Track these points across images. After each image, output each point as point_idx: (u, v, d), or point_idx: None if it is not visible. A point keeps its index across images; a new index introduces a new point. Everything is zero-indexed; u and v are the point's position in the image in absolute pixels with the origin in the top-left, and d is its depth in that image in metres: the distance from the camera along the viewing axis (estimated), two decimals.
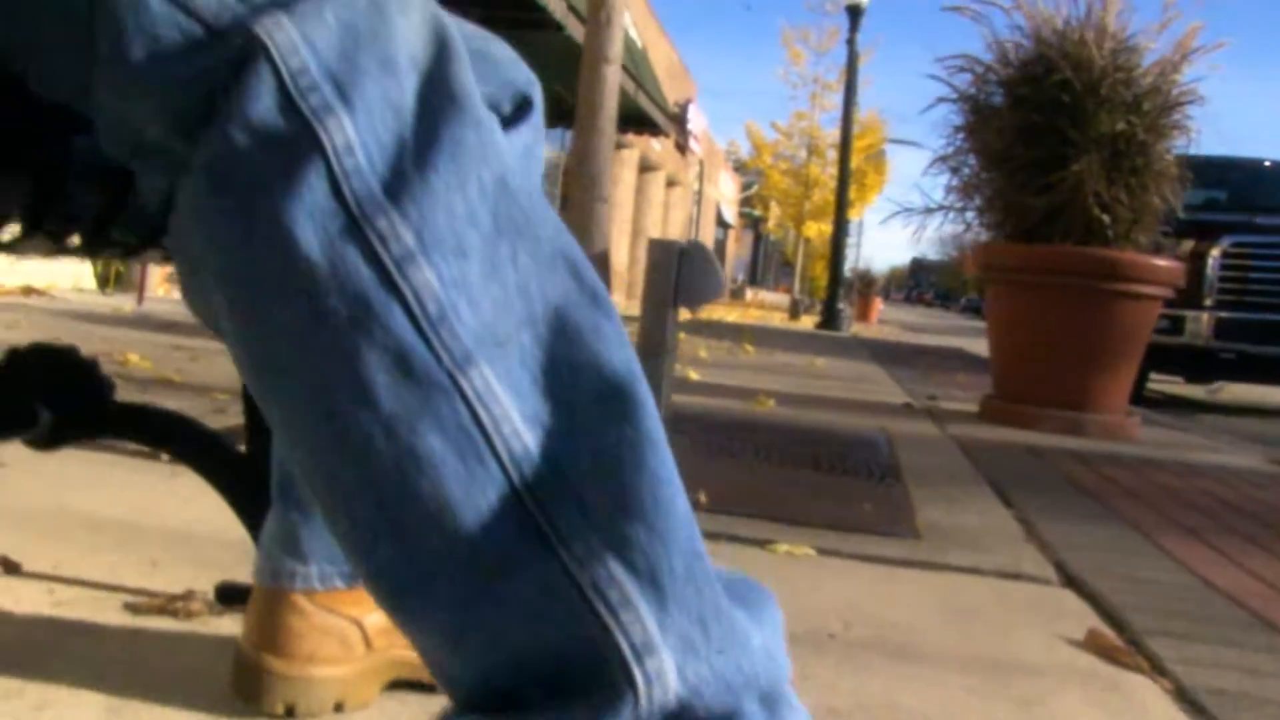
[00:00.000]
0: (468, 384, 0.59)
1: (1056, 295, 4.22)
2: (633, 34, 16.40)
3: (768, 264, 59.30)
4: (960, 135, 4.59)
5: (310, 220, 0.60)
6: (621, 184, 21.28)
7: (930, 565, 1.94)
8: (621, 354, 0.63)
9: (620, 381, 0.62)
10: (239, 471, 1.24)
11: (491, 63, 1.15)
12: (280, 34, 0.61)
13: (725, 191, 38.18)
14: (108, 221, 0.86)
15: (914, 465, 3.04)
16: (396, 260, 0.60)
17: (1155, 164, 4.25)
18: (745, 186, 40.57)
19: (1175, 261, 4.27)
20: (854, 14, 15.11)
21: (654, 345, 2.84)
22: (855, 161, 16.48)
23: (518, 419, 0.60)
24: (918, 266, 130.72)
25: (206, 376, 3.41)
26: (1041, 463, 3.41)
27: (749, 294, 45.95)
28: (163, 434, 1.30)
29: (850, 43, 15.27)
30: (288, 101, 0.61)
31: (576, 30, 12.07)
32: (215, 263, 0.63)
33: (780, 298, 50.72)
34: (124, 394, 1.30)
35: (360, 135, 0.61)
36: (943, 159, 4.56)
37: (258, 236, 0.60)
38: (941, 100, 4.59)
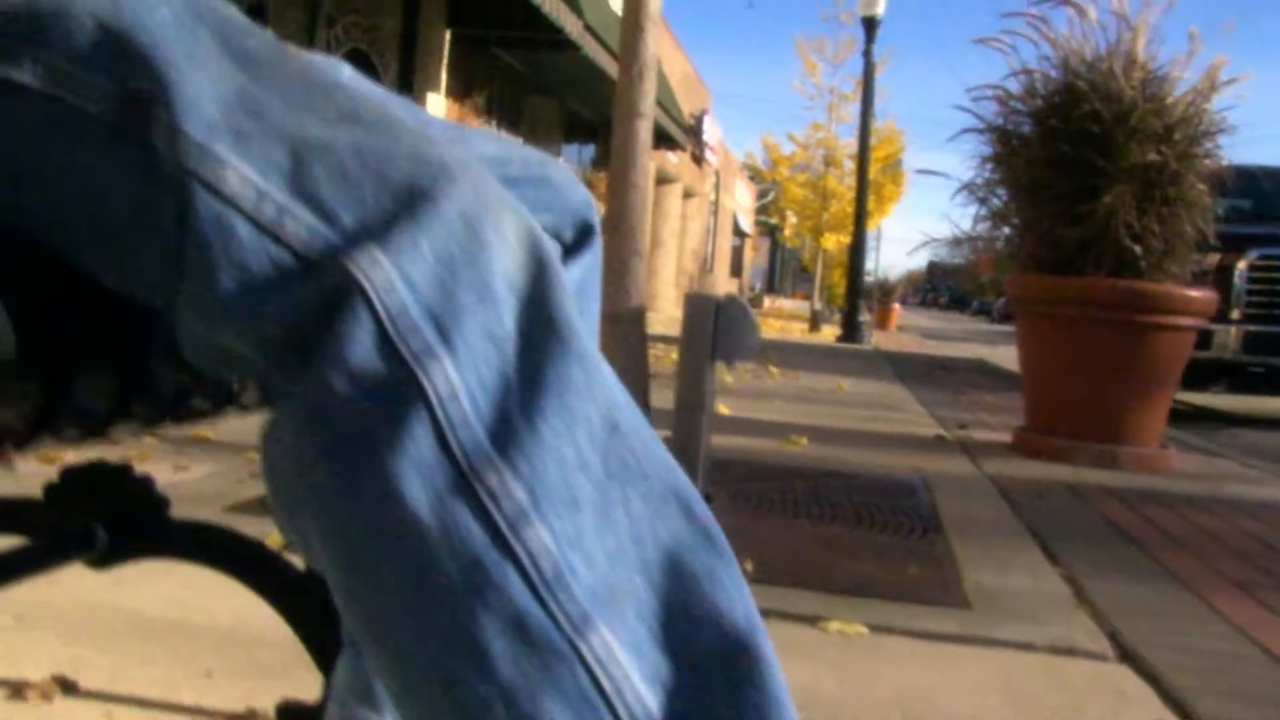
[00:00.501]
0: (588, 649, 0.57)
1: (1089, 327, 4.18)
2: None
3: (784, 271, 59.25)
4: (989, 165, 4.56)
5: (417, 476, 0.58)
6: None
7: (984, 641, 1.91)
8: (741, 605, 0.60)
9: (742, 637, 0.60)
10: (304, 597, 1.23)
11: (552, 188, 1.14)
12: (377, 272, 0.59)
13: (741, 200, 38.18)
14: (189, 396, 0.85)
15: (954, 515, 3.02)
16: (509, 519, 0.58)
17: (1187, 194, 4.22)
18: (761, 195, 40.56)
19: (1208, 291, 4.23)
20: (870, 26, 15.07)
21: (693, 400, 2.82)
22: (873, 173, 16.43)
23: (638, 680, 0.58)
24: (934, 270, 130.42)
25: (241, 432, 3.41)
26: (1082, 505, 3.38)
27: (766, 302, 45.94)
28: (222, 554, 1.29)
29: (867, 55, 15.23)
30: (388, 346, 0.58)
31: (593, 50, 12.10)
32: (314, 511, 0.61)
33: (797, 305, 50.71)
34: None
35: (464, 378, 0.59)
36: (970, 189, 4.53)
37: (362, 492, 0.58)
38: (969, 131, 4.57)
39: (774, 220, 41.57)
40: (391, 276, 0.59)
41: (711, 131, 25.72)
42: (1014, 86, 4.48)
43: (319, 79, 0.67)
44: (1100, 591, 2.30)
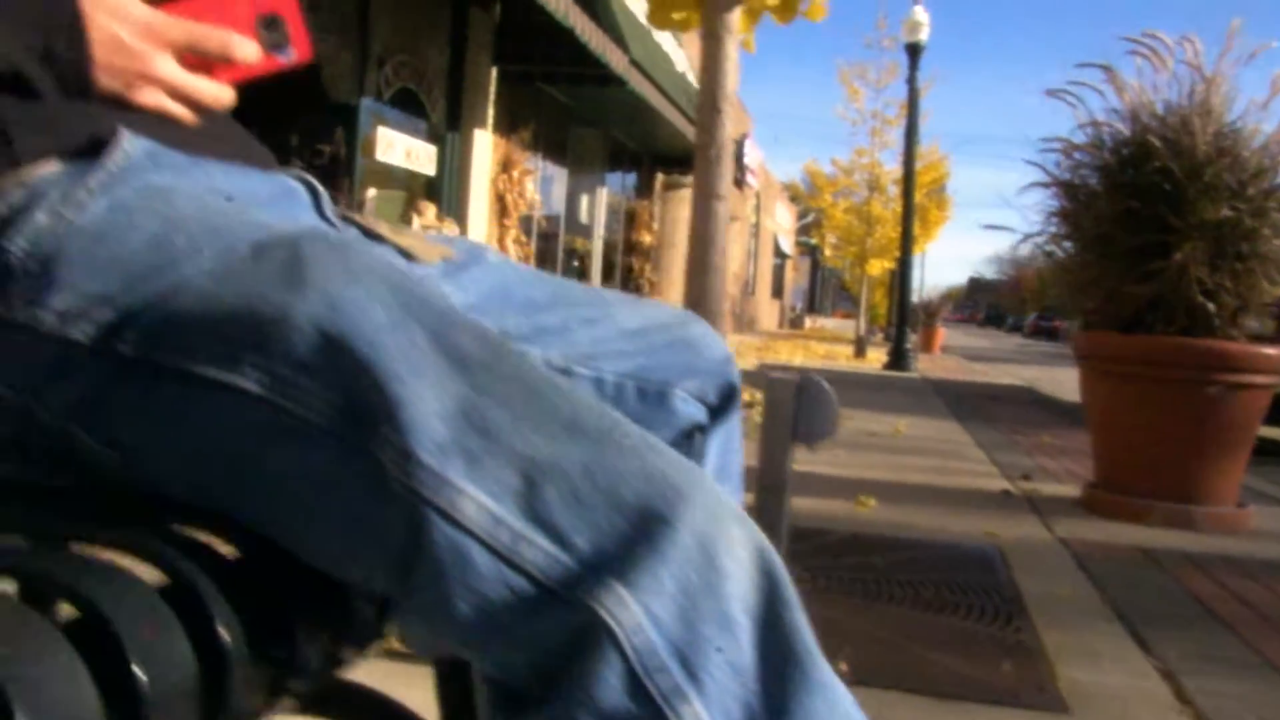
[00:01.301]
0: None
1: (1161, 386, 4.12)
2: (690, 77, 16.46)
3: (825, 290, 59.09)
4: (1055, 219, 4.52)
5: None
6: (680, 222, 21.30)
7: None
8: None
9: None
10: None
11: (694, 349, 1.12)
12: (624, 612, 0.58)
13: (782, 222, 38.12)
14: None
15: (1036, 593, 2.97)
16: None
17: (1261, 249, 4.15)
18: (802, 215, 40.50)
19: None
20: (913, 52, 15.01)
21: (775, 482, 2.80)
22: (917, 197, 16.34)
23: None
24: (975, 286, 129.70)
25: None
26: (1162, 576, 3.32)
27: (807, 322, 45.84)
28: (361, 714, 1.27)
29: (911, 82, 15.17)
30: (637, 688, 0.58)
31: (639, 84, 12.14)
32: None
33: (838, 323, 50.51)
34: None
35: (711, 716, 0.58)
36: (1036, 243, 4.49)
37: None
38: (1036, 185, 4.53)
39: (814, 241, 41.50)
40: (638, 616, 0.58)
41: (752, 155, 25.72)
42: (1081, 139, 4.44)
43: (535, 380, 0.66)
44: (1201, 691, 2.26)
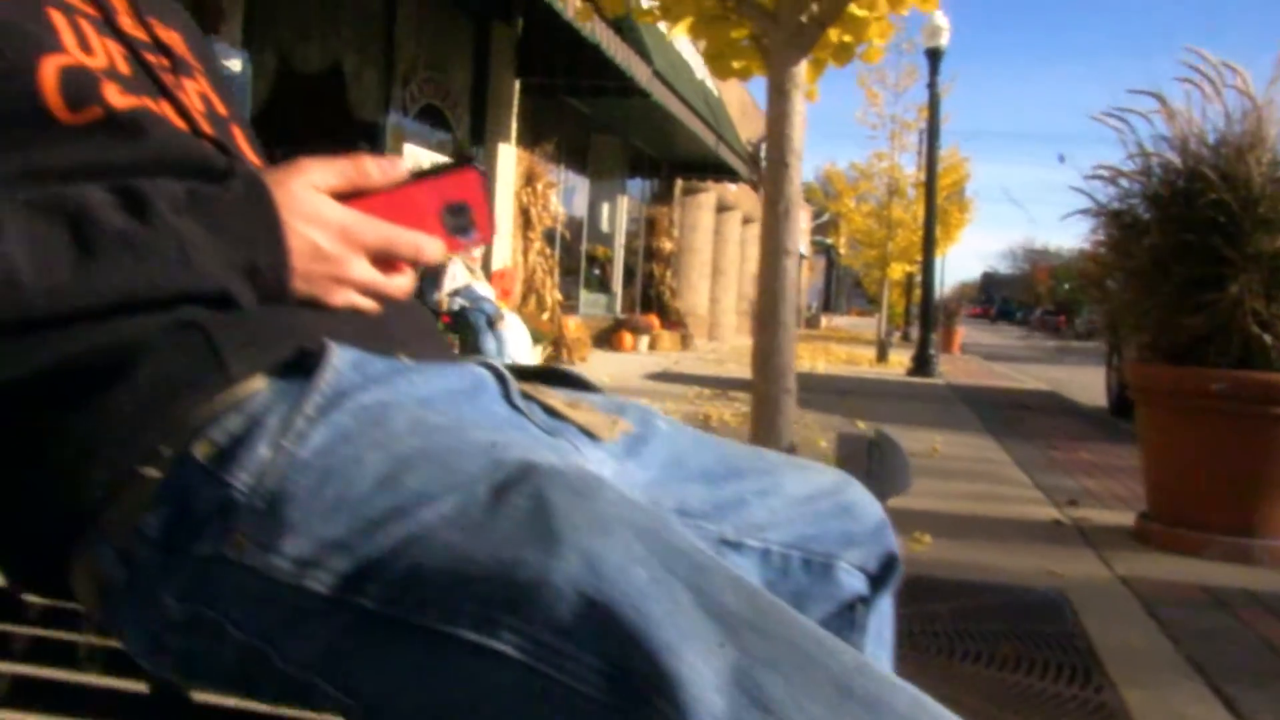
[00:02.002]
0: None
1: (1218, 419, 4.09)
2: (709, 84, 16.42)
3: (839, 288, 59.06)
4: (1104, 249, 4.49)
5: None
6: (700, 228, 21.30)
7: None
8: None
9: None
10: None
11: (853, 516, 1.11)
12: None
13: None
14: None
15: (1109, 645, 2.95)
16: None
17: None
18: (816, 215, 40.44)
19: None
20: (934, 57, 14.95)
21: None
22: (938, 200, 16.29)
23: None
24: (989, 281, 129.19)
25: None
26: (1231, 621, 3.29)
27: (823, 321, 45.80)
28: None
29: (931, 87, 15.11)
30: None
31: (661, 95, 12.11)
32: None
33: (853, 322, 50.42)
34: None
35: None
36: (1085, 275, 4.46)
37: None
38: (1082, 213, 4.50)
39: (830, 241, 41.45)
40: None
41: None
42: (1129, 167, 4.41)
43: (799, 636, 0.65)
44: None
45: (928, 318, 15.42)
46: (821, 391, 10.43)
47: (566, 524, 0.66)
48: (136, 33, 1.00)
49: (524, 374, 1.07)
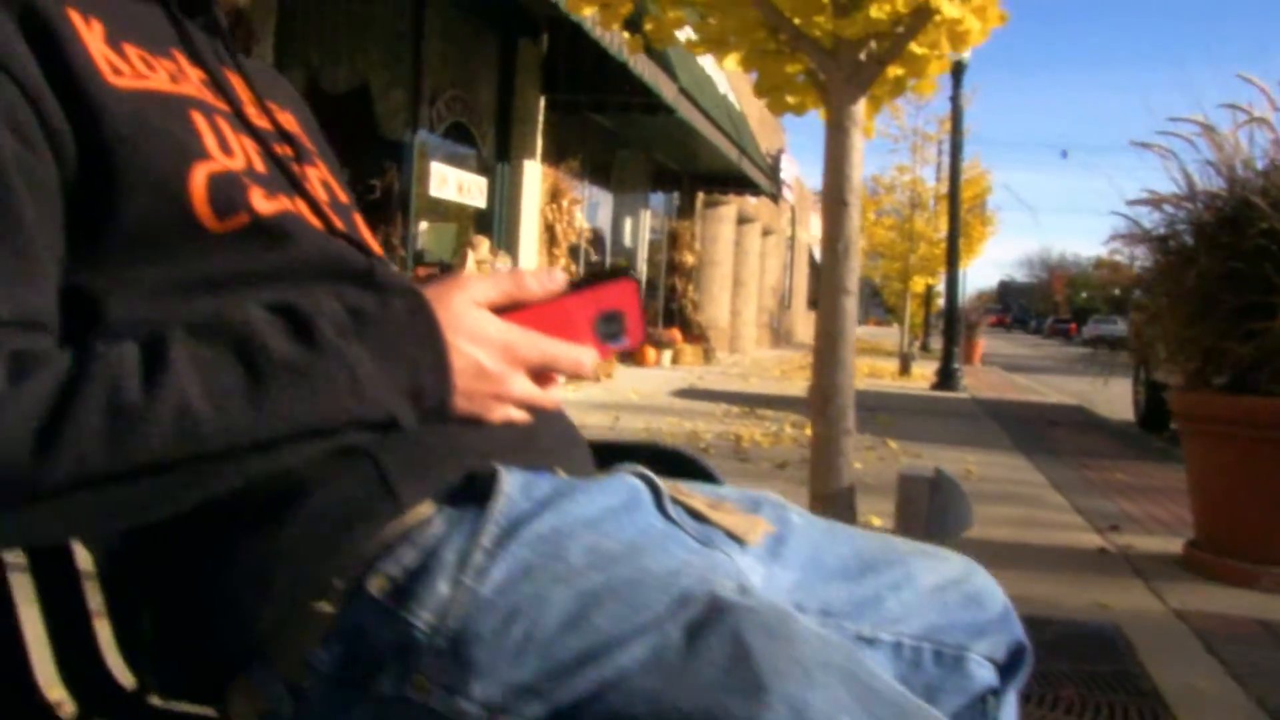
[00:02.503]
0: None
1: (1269, 448, 4.05)
2: (731, 98, 16.42)
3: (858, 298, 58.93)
4: (1149, 275, 4.46)
5: None
6: (720, 240, 21.29)
7: None
8: None
9: None
10: None
11: (980, 605, 1.10)
12: None
13: (816, 234, 38.00)
14: None
15: (1174, 687, 2.91)
16: None
17: None
18: None
19: None
20: (956, 71, 14.92)
21: None
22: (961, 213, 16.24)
23: None
24: (1005, 289, 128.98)
25: None
26: None
27: None
28: None
29: (954, 99, 15.08)
30: None
31: (687, 112, 12.11)
32: None
33: (870, 331, 50.26)
34: None
35: None
36: (1135, 305, 4.43)
37: None
38: (1124, 238, 4.47)
39: None
40: None
41: (788, 169, 25.66)
42: (1174, 193, 4.37)
43: None
44: None
45: (951, 331, 15.37)
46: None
47: (770, 671, 0.65)
48: (262, 123, 1.00)
49: (644, 455, 1.07)
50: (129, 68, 0.86)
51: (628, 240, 16.81)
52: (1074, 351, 44.87)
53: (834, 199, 2.75)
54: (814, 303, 32.72)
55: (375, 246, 1.05)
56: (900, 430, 8.94)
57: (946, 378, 14.89)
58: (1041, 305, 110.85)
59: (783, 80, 3.07)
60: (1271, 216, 4.01)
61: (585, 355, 0.87)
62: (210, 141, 0.88)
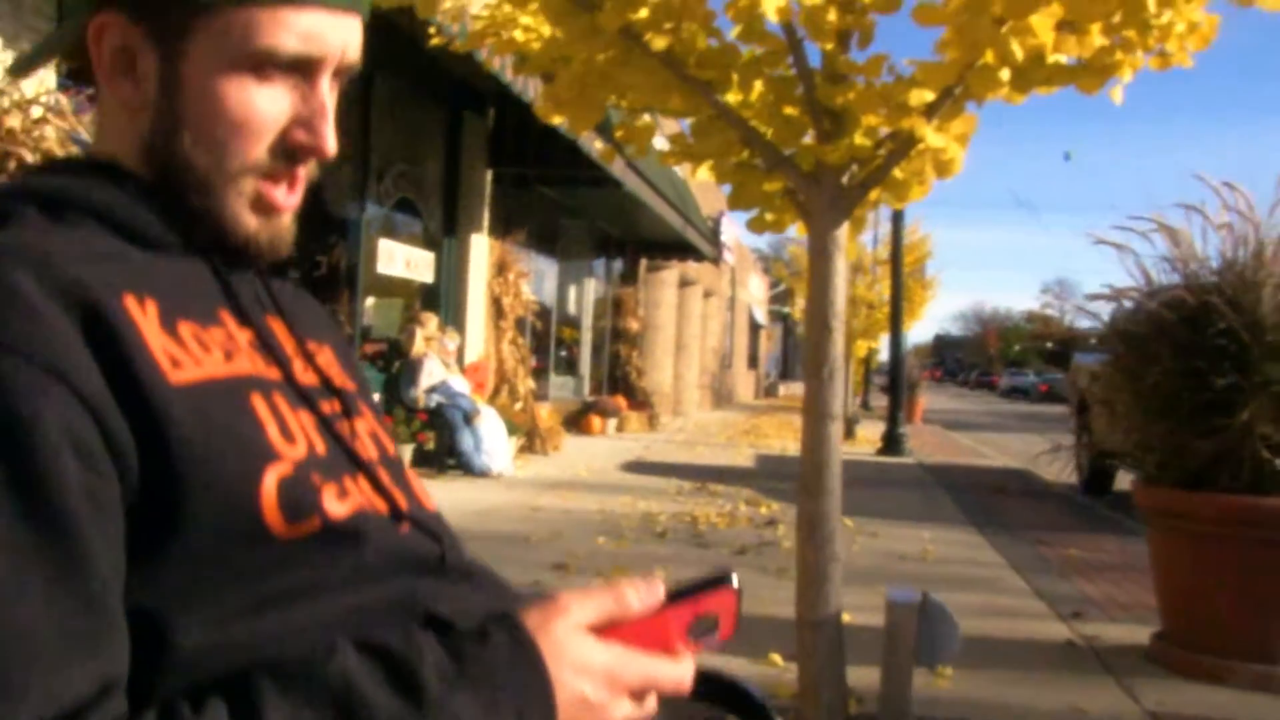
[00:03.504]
0: None
1: (1233, 545, 4.10)
2: (676, 169, 16.54)
3: (797, 356, 59.44)
4: (1109, 370, 4.51)
5: None
6: (663, 305, 21.36)
7: None
8: None
9: None
10: None
11: None
12: None
13: (755, 293, 38.33)
14: None
15: None
16: None
17: None
18: (773, 285, 40.73)
19: None
20: None
21: (895, 711, 2.72)
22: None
23: None
24: (940, 343, 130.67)
25: None
26: None
27: (782, 389, 45.93)
28: None
29: None
30: None
31: (634, 184, 12.17)
32: None
33: None
34: None
35: None
36: (1102, 402, 4.48)
37: None
38: (1090, 335, 4.52)
39: (788, 309, 41.72)
40: None
41: (728, 231, 25.86)
42: (1136, 292, 4.45)
43: None
44: None
45: (897, 395, 15.51)
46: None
47: None
48: (309, 378, 0.96)
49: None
50: (187, 355, 0.82)
51: (573, 308, 16.81)
52: (1006, 408, 46.29)
53: (819, 323, 2.74)
54: (753, 361, 32.97)
55: (427, 501, 1.01)
56: (853, 504, 8.88)
57: (893, 442, 14.99)
58: (976, 358, 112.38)
59: (760, 198, 3.07)
60: (1230, 317, 4.08)
61: (685, 673, 0.84)
62: (273, 431, 0.84)
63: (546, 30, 3.16)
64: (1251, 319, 4.10)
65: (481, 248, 11.46)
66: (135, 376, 0.76)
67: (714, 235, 21.80)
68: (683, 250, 18.78)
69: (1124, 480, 8.07)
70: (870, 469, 12.94)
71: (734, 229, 27.18)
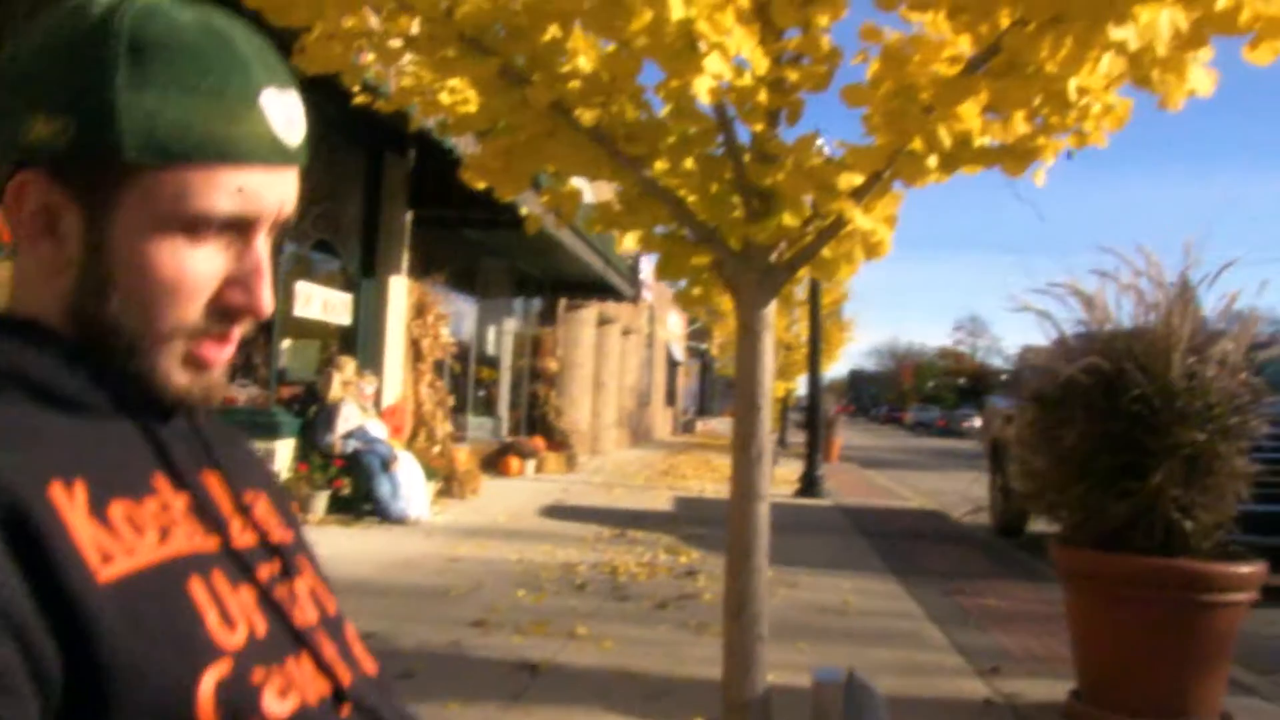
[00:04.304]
0: None
1: (1146, 605, 4.18)
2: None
3: (714, 391, 59.76)
4: (1027, 432, 4.59)
5: None
6: (582, 343, 21.34)
7: None
8: None
9: None
10: None
11: None
12: None
13: (674, 330, 38.47)
14: None
15: None
16: None
17: (1228, 467, 4.26)
18: (691, 321, 40.95)
19: (1259, 565, 4.25)
20: None
21: None
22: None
23: None
24: (856, 379, 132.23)
25: None
26: None
27: (699, 425, 46.10)
28: None
29: None
30: None
31: (553, 226, 12.14)
32: None
33: (728, 423, 50.85)
34: None
35: None
36: (1021, 461, 4.55)
37: None
38: (999, 372, 4.58)
39: (705, 346, 42.00)
40: None
41: (647, 268, 25.96)
42: (1056, 353, 4.53)
43: None
44: None
45: (815, 437, 15.67)
46: (720, 526, 10.33)
47: None
48: (247, 539, 0.93)
49: None
50: (118, 544, 0.78)
51: (491, 349, 16.71)
52: (918, 444, 47.29)
53: (746, 403, 2.74)
54: (670, 398, 32.90)
55: (368, 664, 0.98)
56: (773, 551, 8.89)
57: (810, 484, 15.12)
58: (890, 393, 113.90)
59: (688, 270, 3.07)
60: (1143, 383, 4.17)
61: None
62: (212, 619, 0.81)
63: (474, 94, 3.15)
64: (1162, 384, 4.20)
65: (400, 289, 11.35)
66: (62, 583, 0.72)
67: (633, 274, 21.87)
68: (602, 291, 18.80)
69: (1037, 522, 8.22)
70: (789, 513, 12.99)
71: (652, 267, 27.31)
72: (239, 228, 0.89)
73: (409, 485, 9.62)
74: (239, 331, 0.93)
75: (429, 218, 11.65)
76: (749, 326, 2.78)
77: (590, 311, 21.67)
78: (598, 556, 8.36)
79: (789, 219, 2.72)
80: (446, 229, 12.35)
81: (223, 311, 0.89)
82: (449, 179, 10.94)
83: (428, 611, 6.07)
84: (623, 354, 26.29)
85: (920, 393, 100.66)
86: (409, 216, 11.44)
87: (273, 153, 0.91)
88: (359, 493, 9.52)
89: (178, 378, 0.89)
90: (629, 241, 3.34)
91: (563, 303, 19.88)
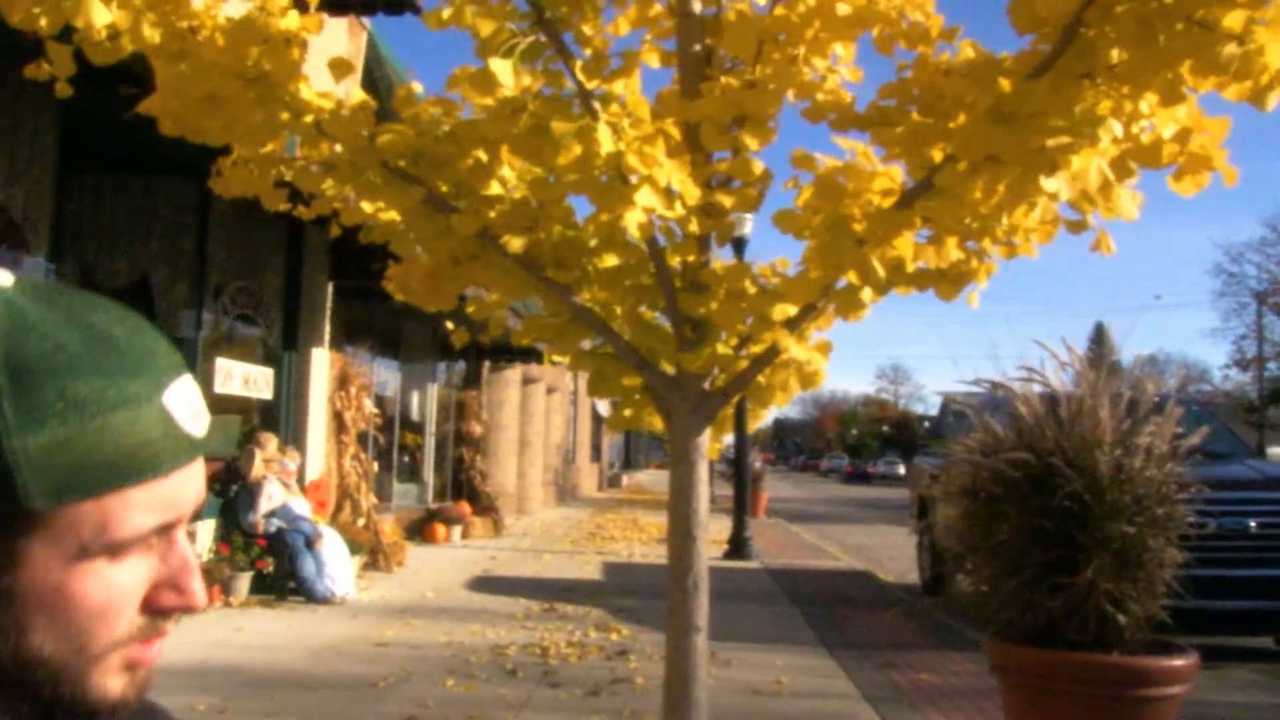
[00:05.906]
0: None
1: (1080, 701, 4.16)
2: None
3: (638, 443, 59.73)
4: (960, 525, 4.58)
5: None
6: (507, 404, 21.18)
7: None
8: None
9: None
10: None
11: None
12: None
13: None
14: None
15: None
16: None
17: (1158, 558, 4.28)
18: None
19: (1192, 658, 4.27)
20: (739, 245, 15.45)
21: None
22: None
23: None
24: (780, 427, 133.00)
25: None
26: None
27: (625, 479, 45.94)
28: None
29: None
30: None
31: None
32: None
33: (654, 476, 50.81)
34: None
35: None
36: (956, 558, 4.53)
37: None
38: (921, 419, 4.58)
39: None
40: None
41: None
42: (982, 444, 4.54)
43: None
44: None
45: (742, 498, 15.67)
46: (650, 595, 10.25)
47: None
48: None
49: None
50: None
51: (416, 414, 16.50)
52: (844, 494, 47.98)
53: (681, 534, 2.68)
54: (596, 454, 32.80)
55: None
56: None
57: (739, 545, 15.09)
58: (815, 442, 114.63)
59: (619, 389, 3.02)
60: (1071, 478, 4.19)
61: None
62: None
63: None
64: (1091, 479, 4.21)
65: (322, 361, 11.17)
66: None
67: None
68: (525, 353, 18.68)
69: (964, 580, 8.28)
70: (719, 577, 12.86)
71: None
72: (160, 530, 0.83)
73: (334, 563, 9.41)
74: (172, 625, 0.87)
75: (350, 287, 11.50)
76: (683, 455, 2.72)
77: (515, 372, 21.55)
78: (527, 636, 8.21)
79: (722, 348, 2.68)
80: (368, 297, 12.20)
81: (155, 613, 0.84)
82: (370, 247, 10.89)
83: (355, 710, 5.89)
84: (548, 412, 26.17)
85: (845, 440, 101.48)
86: (330, 287, 11.28)
87: (186, 453, 0.85)
88: (282, 572, 9.29)
89: (113, 689, 0.84)
90: (561, 357, 3.28)
91: (486, 365, 19.74)
